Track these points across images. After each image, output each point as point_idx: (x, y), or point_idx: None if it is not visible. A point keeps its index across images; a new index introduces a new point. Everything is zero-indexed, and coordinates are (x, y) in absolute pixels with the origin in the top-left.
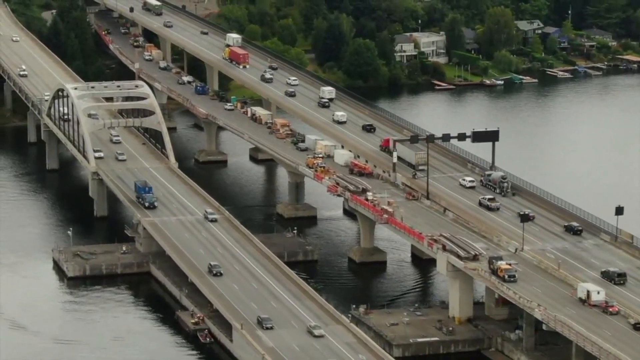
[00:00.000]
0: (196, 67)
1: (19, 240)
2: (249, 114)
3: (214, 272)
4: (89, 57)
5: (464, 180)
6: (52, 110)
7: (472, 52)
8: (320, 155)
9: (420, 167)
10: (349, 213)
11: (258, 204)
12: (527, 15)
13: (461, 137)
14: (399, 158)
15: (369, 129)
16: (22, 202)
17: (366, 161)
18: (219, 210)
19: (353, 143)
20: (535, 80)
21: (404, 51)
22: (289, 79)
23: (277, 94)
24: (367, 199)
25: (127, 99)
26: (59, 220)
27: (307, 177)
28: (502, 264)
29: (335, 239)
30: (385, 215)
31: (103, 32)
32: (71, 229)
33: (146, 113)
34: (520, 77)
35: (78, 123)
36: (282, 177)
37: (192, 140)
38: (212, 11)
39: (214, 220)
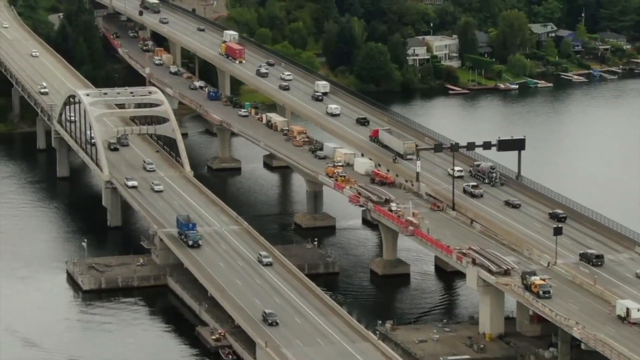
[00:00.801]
0: (207, 72)
1: (31, 251)
2: (264, 121)
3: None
4: (98, 62)
5: (452, 170)
6: (63, 116)
7: (485, 55)
8: (340, 164)
9: (408, 156)
10: (368, 222)
11: (274, 213)
12: (540, 18)
13: (486, 145)
14: (387, 147)
15: (363, 122)
16: (32, 211)
17: (387, 170)
18: (237, 221)
19: (346, 135)
20: (550, 85)
21: (417, 55)
22: (283, 73)
23: (272, 87)
24: (390, 210)
25: (141, 105)
26: (71, 230)
27: (325, 186)
28: (536, 279)
29: (355, 250)
30: (411, 227)
31: (111, 36)
32: (86, 240)
33: (160, 120)
34: (535, 81)
35: (90, 130)
36: (298, 185)
37: (203, 147)
38: (221, 14)
39: (268, 264)
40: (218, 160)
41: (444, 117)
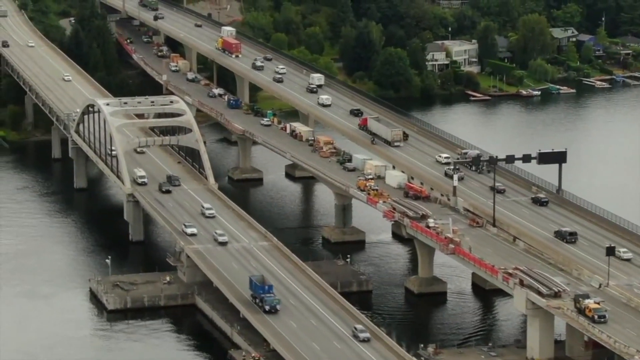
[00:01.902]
0: (224, 78)
1: (51, 267)
2: (288, 130)
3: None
4: (112, 68)
5: (439, 157)
6: (81, 126)
7: (505, 60)
8: (371, 177)
9: (395, 143)
10: (399, 237)
11: (299, 226)
12: (559, 22)
13: (526, 158)
14: (375, 135)
15: (356, 113)
16: (50, 224)
17: (421, 183)
18: (265, 237)
19: (337, 125)
20: (573, 91)
21: (436, 60)
22: (277, 67)
23: (266, 79)
24: (428, 226)
25: (161, 115)
26: (91, 245)
27: (354, 199)
28: (590, 303)
29: (387, 266)
30: (452, 245)
31: (125, 41)
32: (109, 257)
33: (182, 130)
34: (558, 87)
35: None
36: (321, 196)
37: (221, 156)
38: (236, 19)
39: (365, 340)
40: (239, 170)
41: (466, 125)
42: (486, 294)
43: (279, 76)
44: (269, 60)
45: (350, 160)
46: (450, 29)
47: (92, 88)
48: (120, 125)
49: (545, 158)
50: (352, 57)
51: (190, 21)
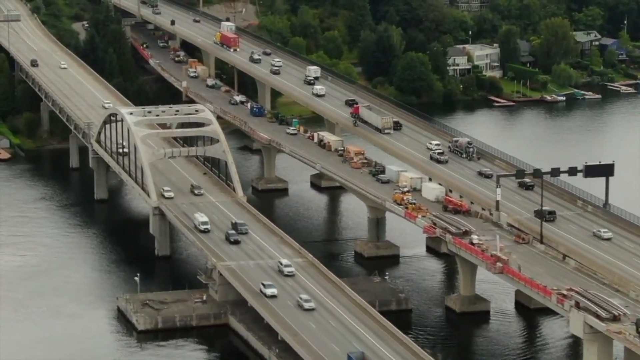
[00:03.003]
0: (244, 84)
1: (75, 285)
2: (316, 139)
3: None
4: (128, 74)
5: (430, 144)
6: (102, 135)
7: (528, 65)
8: (407, 190)
9: (386, 130)
10: (433, 251)
11: (328, 239)
12: (581, 26)
13: (572, 171)
14: (366, 122)
15: (351, 103)
16: (70, 238)
17: (460, 196)
18: (300, 253)
19: (330, 114)
20: (599, 96)
21: (457, 65)
22: (274, 60)
23: (264, 71)
24: (472, 243)
25: (185, 125)
26: (115, 260)
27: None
28: None
29: (424, 282)
30: (499, 264)
31: (140, 46)
32: (138, 274)
33: (208, 140)
34: (583, 92)
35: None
36: (350, 207)
37: (242, 165)
38: (251, 22)
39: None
40: (264, 180)
41: (492, 132)
42: (531, 313)
43: (276, 68)
44: (268, 54)
45: (383, 172)
46: (470, 32)
47: (111, 95)
48: (145, 136)
49: (592, 171)
50: (371, 61)
51: (189, 17)
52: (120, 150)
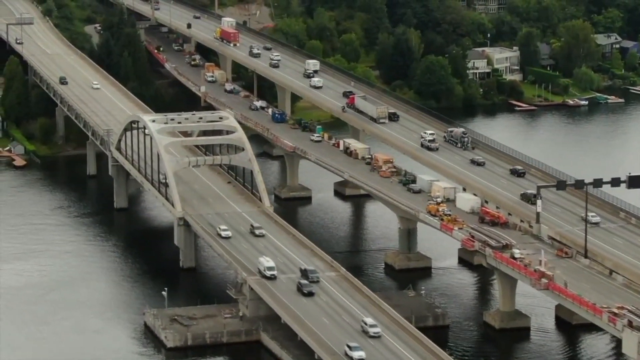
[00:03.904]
0: (263, 89)
1: (99, 299)
2: (341, 147)
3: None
4: (144, 78)
5: (425, 133)
6: (123, 143)
7: (548, 68)
8: (440, 200)
9: (381, 120)
10: (465, 262)
11: (355, 250)
12: (600, 28)
13: (615, 182)
14: (361, 112)
15: (348, 95)
16: (90, 248)
17: (497, 207)
18: (332, 266)
19: (326, 103)
20: (622, 100)
21: (477, 68)
22: (273, 54)
23: (263, 65)
24: (513, 257)
25: (207, 132)
26: (138, 272)
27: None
28: None
29: (459, 296)
30: (544, 280)
31: (155, 50)
32: (166, 288)
33: (232, 149)
34: (606, 96)
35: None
36: (375, 216)
37: (263, 172)
38: (267, 25)
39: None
40: (287, 188)
41: (516, 137)
42: (573, 330)
43: (275, 62)
44: (269, 49)
45: (414, 181)
46: (489, 35)
47: (128, 100)
48: (169, 144)
49: (636, 182)
50: (389, 65)
51: (189, 13)
52: (163, 181)
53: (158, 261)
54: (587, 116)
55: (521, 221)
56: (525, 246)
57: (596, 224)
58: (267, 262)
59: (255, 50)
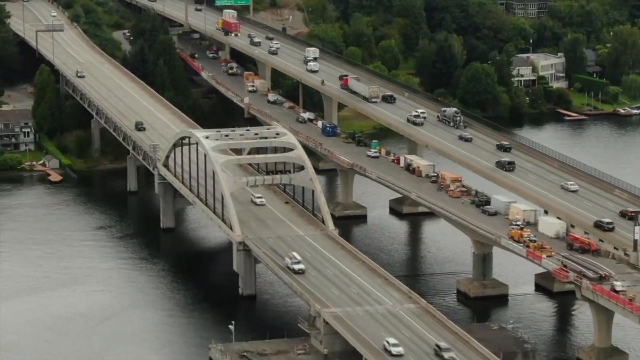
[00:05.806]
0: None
1: (156, 331)
2: (402, 163)
3: None
4: (180, 88)
5: (416, 111)
6: (171, 160)
7: (594, 75)
8: (522, 225)
9: (373, 100)
10: (543, 289)
11: (420, 274)
12: None
13: None
14: (354, 92)
15: (342, 77)
16: (138, 273)
17: (585, 232)
18: (410, 297)
19: (325, 88)
20: None
21: (521, 75)
22: (271, 42)
23: (263, 52)
24: (614, 290)
25: (260, 150)
26: (193, 300)
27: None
28: None
29: (544, 328)
30: None
31: (189, 57)
32: (233, 322)
33: (291, 167)
34: None
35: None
36: (436, 237)
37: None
38: (301, 31)
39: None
40: (341, 206)
41: (569, 149)
42: None
43: (274, 49)
44: (271, 39)
45: (488, 202)
46: (531, 41)
47: (167, 111)
48: (225, 163)
49: None
50: (431, 72)
51: (190, 7)
52: (258, 202)
53: (214, 288)
54: (639, 126)
55: (615, 248)
56: (624, 277)
57: None
58: (296, 259)
59: (256, 39)
